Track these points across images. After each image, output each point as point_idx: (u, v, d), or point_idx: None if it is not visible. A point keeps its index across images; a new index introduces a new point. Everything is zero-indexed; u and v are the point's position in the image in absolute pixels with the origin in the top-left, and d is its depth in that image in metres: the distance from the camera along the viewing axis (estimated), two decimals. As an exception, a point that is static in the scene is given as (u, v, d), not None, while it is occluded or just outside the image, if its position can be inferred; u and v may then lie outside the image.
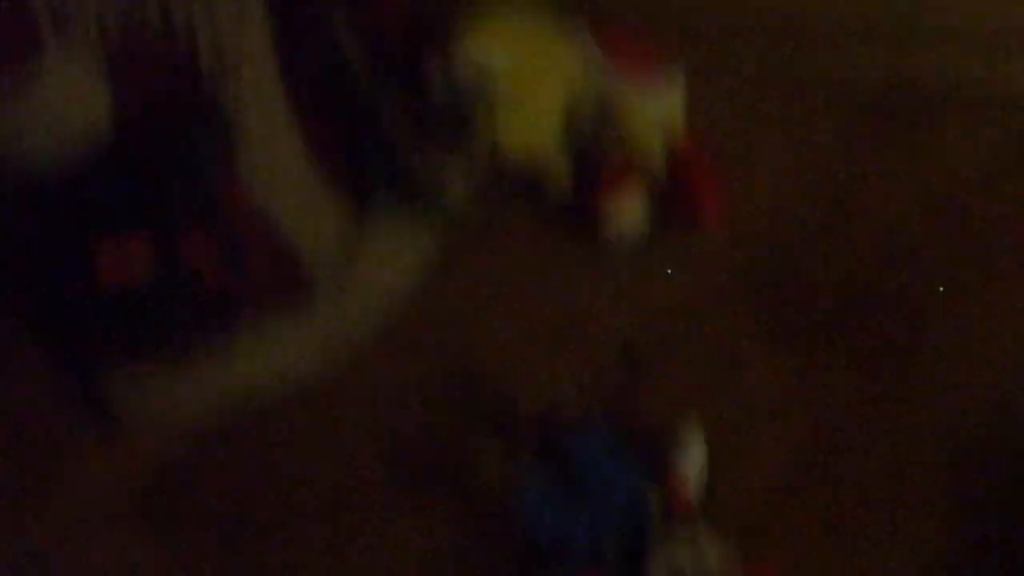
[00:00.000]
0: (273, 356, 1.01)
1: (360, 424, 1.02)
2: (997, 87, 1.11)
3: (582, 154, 1.04)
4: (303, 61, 0.97)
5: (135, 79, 0.88)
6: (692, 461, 0.94)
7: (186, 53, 0.89)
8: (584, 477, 0.94)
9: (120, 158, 0.90)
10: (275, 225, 0.98)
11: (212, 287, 0.98)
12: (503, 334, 1.05)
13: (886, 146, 1.10)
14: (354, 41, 0.98)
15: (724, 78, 1.10)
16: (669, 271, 1.02)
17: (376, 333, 1.05)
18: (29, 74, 0.82)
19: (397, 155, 1.02)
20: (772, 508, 0.95)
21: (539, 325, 1.05)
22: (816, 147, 1.10)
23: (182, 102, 0.91)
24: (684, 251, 1.07)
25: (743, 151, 1.09)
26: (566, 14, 1.01)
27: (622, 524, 0.91)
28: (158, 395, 1.01)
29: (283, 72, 0.95)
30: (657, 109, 1.03)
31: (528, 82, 0.97)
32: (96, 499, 1.01)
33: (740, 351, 1.02)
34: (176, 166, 0.93)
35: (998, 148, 1.09)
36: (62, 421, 1.04)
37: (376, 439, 1.01)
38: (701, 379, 1.01)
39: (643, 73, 1.02)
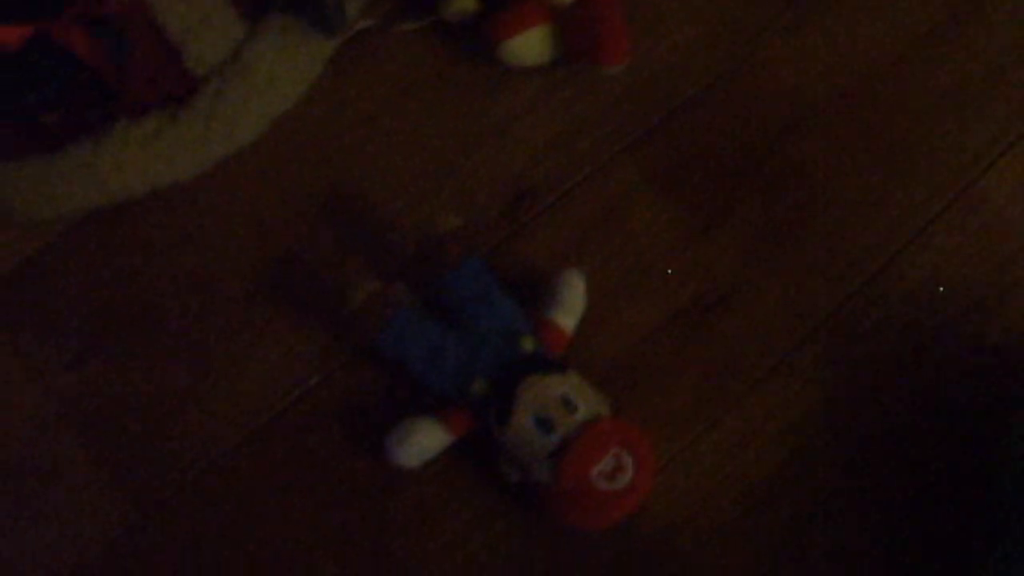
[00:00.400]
0: (146, 155, 0.97)
1: (232, 234, 1.00)
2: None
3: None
4: None
5: None
6: (569, 306, 0.93)
7: None
8: (458, 311, 0.93)
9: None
10: (162, 23, 0.94)
11: (91, 73, 0.93)
12: (389, 155, 1.02)
13: (798, 13, 1.08)
14: None
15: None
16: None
17: (258, 143, 1.01)
18: None
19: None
20: (647, 360, 0.96)
21: (426, 150, 1.02)
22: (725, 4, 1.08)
23: None
24: (581, 88, 1.05)
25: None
26: None
27: (492, 362, 0.90)
28: (23, 189, 0.96)
29: None
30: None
31: None
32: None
33: (629, 199, 1.01)
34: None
35: (910, 28, 1.08)
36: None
37: (248, 250, 0.99)
38: (587, 224, 1.00)
39: None
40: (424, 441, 0.89)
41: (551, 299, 0.93)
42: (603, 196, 1.01)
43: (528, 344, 0.91)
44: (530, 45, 1.01)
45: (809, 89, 1.05)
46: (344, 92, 1.04)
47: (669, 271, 0.98)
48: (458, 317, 0.92)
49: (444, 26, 1.05)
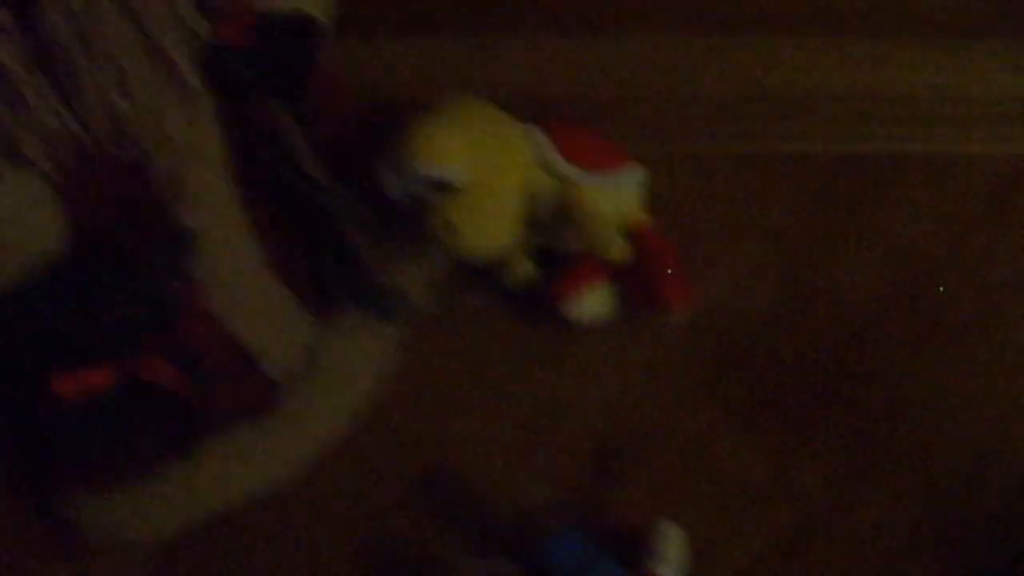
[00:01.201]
0: (239, 467, 1.00)
1: (330, 529, 1.02)
2: (939, 154, 1.11)
3: (542, 247, 1.04)
4: (258, 173, 0.96)
5: (88, 201, 0.86)
6: (671, 561, 0.93)
7: (140, 173, 0.88)
8: (563, 579, 0.93)
9: (75, 280, 0.89)
10: (237, 337, 0.97)
11: (174, 399, 0.96)
12: (472, 432, 1.04)
13: (841, 221, 1.10)
14: (308, 150, 0.97)
15: (677, 161, 1.09)
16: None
17: (343, 438, 1.04)
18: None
19: (357, 263, 1.01)
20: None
21: (507, 420, 1.04)
22: (771, 227, 1.10)
23: (138, 222, 0.90)
24: (648, 336, 1.07)
25: (701, 234, 1.09)
26: (516, 112, 1.00)
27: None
28: (125, 515, 0.99)
29: (239, 185, 0.94)
30: (615, 198, 1.02)
31: (485, 181, 0.96)
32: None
33: (712, 441, 1.02)
34: (133, 285, 0.91)
35: (952, 216, 1.10)
36: (28, 549, 1.02)
37: (348, 544, 1.01)
38: (675, 473, 1.01)
39: (598, 163, 1.02)
40: None
41: (650, 553, 0.94)
42: (685, 439, 1.02)
43: (637, 606, 0.91)
44: (593, 302, 1.04)
45: (870, 293, 1.07)
46: (419, 372, 1.06)
47: (760, 504, 0.98)
48: (561, 585, 0.93)
49: (508, 293, 1.08)
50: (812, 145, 1.09)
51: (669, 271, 1.03)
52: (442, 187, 0.93)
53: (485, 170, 0.95)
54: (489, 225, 0.97)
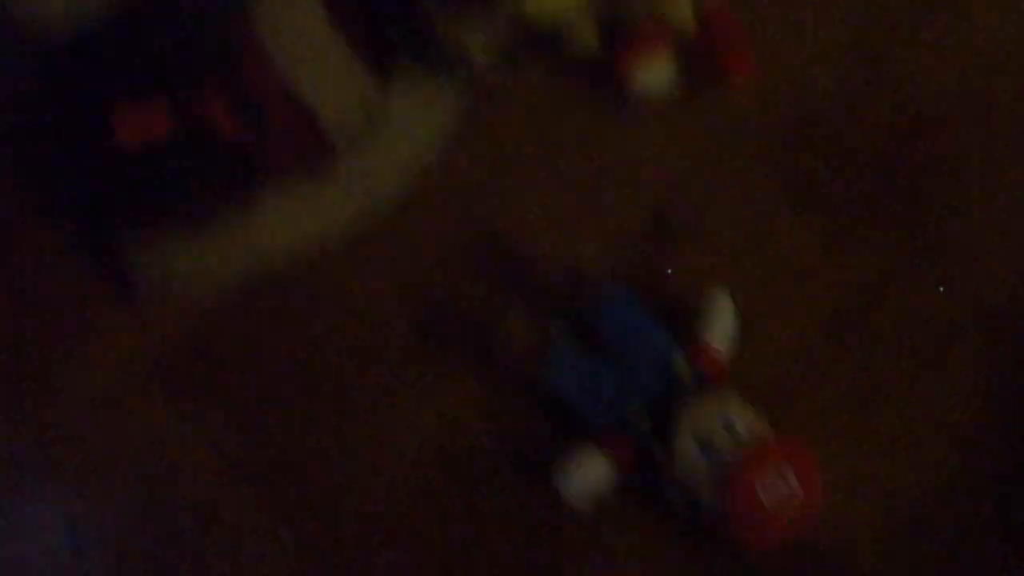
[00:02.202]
0: (296, 220, 1.00)
1: (384, 288, 1.02)
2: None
3: (608, 16, 1.02)
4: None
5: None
6: (721, 327, 0.94)
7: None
8: (611, 342, 0.94)
9: (136, 16, 0.88)
10: (295, 87, 0.96)
11: (233, 148, 0.96)
12: (529, 196, 1.04)
13: (923, 4, 1.07)
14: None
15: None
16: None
17: (400, 197, 1.04)
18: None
19: (422, 21, 1.00)
20: (801, 374, 0.96)
21: (565, 186, 1.04)
22: (849, 5, 1.07)
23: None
24: (712, 112, 1.05)
25: (772, 8, 1.06)
26: None
27: (649, 390, 0.91)
28: (180, 262, 1.00)
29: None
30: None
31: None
32: (117, 373, 1.01)
33: (770, 214, 1.01)
34: (193, 23, 0.90)
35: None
36: (82, 293, 1.04)
37: (401, 304, 1.01)
38: (730, 243, 1.00)
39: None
40: (592, 477, 0.90)
41: (702, 321, 0.94)
42: (743, 215, 1.01)
43: (683, 368, 0.91)
44: (656, 73, 1.02)
45: (944, 83, 1.04)
46: (479, 138, 1.06)
47: (815, 282, 0.98)
48: (611, 348, 0.93)
49: (571, 64, 1.06)
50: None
51: (734, 43, 1.01)
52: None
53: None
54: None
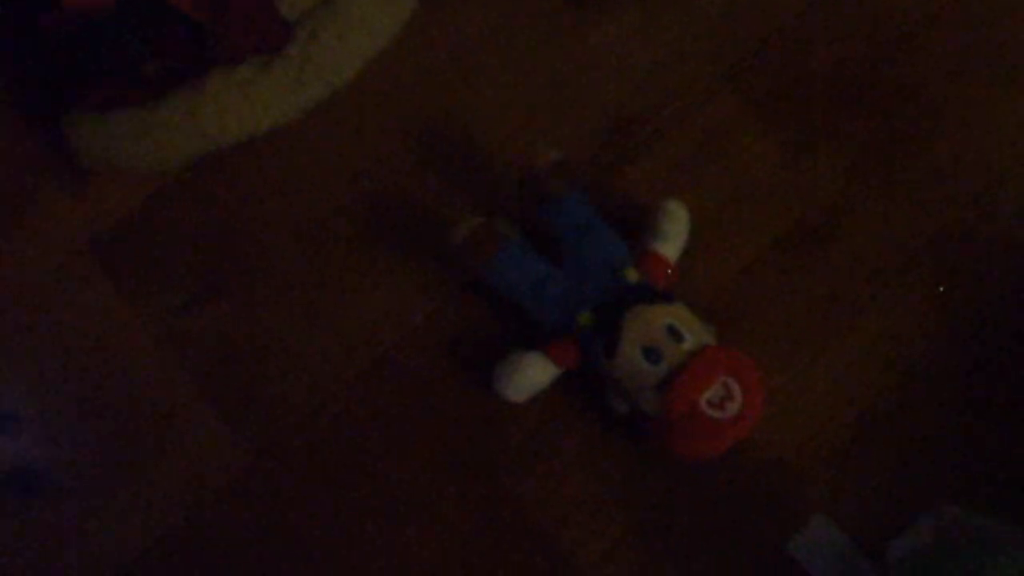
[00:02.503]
0: (246, 102, 0.97)
1: (334, 175, 1.00)
2: None
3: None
4: None
5: None
6: (673, 238, 0.93)
7: None
8: (561, 244, 0.93)
9: None
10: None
11: (186, 25, 0.94)
12: (486, 90, 1.02)
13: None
14: None
15: None
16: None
17: (354, 84, 1.01)
18: None
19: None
20: (751, 290, 0.95)
21: (523, 84, 1.02)
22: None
23: None
24: (677, 16, 1.03)
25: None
26: None
27: (597, 294, 0.90)
28: (127, 140, 0.97)
29: None
30: None
31: None
32: (57, 246, 1.00)
33: (729, 131, 1.00)
34: None
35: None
36: (24, 165, 1.01)
37: (350, 191, 1.00)
38: (687, 157, 0.99)
39: None
40: (532, 375, 0.90)
41: (653, 230, 0.93)
42: (702, 123, 1.00)
43: (632, 275, 0.90)
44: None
45: (915, 5, 1.03)
46: (437, 28, 1.04)
47: (770, 198, 0.97)
48: (561, 250, 0.92)
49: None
50: None
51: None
52: None
53: None
54: None
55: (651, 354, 0.87)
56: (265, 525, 0.92)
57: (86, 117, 0.97)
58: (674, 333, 0.87)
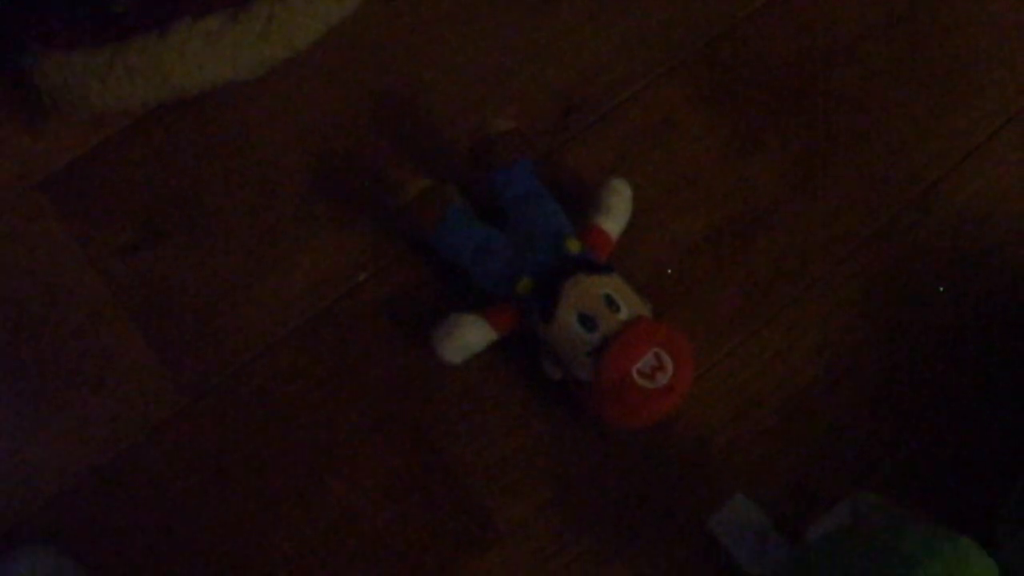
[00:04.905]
0: (209, 52, 0.99)
1: (286, 133, 1.02)
2: None
3: None
4: None
5: None
6: (616, 214, 0.95)
7: None
8: (506, 212, 0.95)
9: None
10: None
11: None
12: (444, 62, 1.05)
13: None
14: None
15: None
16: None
17: (316, 46, 1.03)
18: None
19: None
20: (688, 272, 0.98)
21: (480, 60, 1.05)
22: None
23: None
24: (630, 8, 1.07)
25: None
26: None
27: (538, 263, 0.92)
28: (87, 82, 0.98)
29: None
30: None
31: None
32: (9, 182, 1.01)
33: (674, 120, 1.03)
34: None
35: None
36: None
37: (301, 150, 1.02)
38: (633, 139, 1.02)
39: None
40: (469, 337, 0.91)
41: (598, 205, 0.95)
42: (650, 112, 1.03)
43: (574, 246, 0.92)
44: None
45: (860, 11, 1.07)
46: (401, 2, 1.06)
47: (712, 186, 1.00)
48: (506, 217, 0.95)
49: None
50: None
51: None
52: None
53: None
54: None
55: (587, 321, 0.89)
56: (195, 467, 0.92)
57: (49, 55, 0.98)
58: (611, 303, 0.89)
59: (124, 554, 0.90)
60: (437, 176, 0.98)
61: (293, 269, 0.98)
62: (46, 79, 0.98)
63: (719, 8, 1.07)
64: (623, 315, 0.89)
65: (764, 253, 0.98)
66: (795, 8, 1.07)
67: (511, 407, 0.94)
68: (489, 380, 0.94)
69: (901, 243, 0.99)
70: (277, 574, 0.90)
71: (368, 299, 0.97)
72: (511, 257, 0.92)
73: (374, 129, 1.02)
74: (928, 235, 0.99)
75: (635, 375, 0.88)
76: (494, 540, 0.91)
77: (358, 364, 0.95)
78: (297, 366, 0.95)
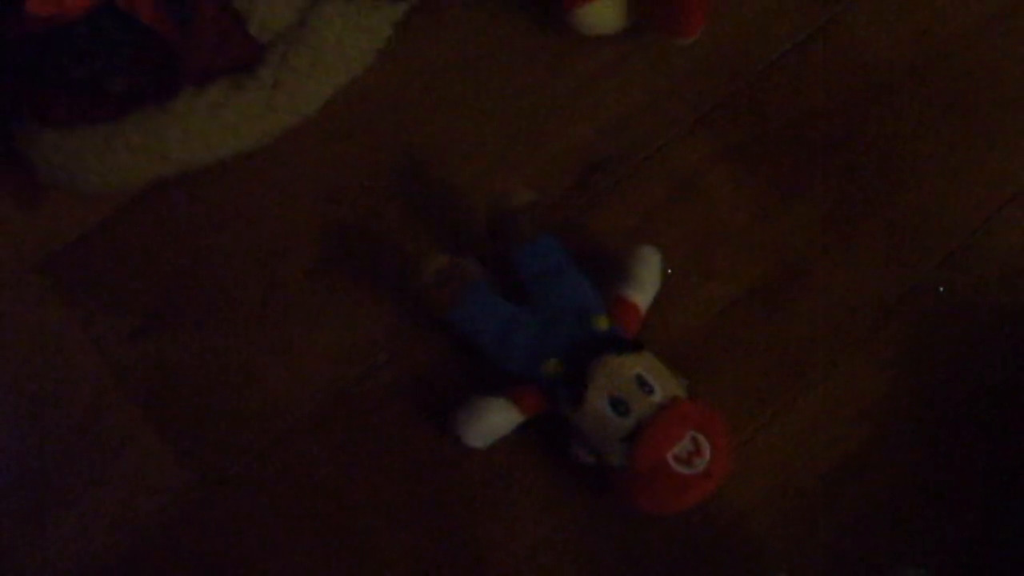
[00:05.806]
0: (212, 125, 0.95)
1: (297, 205, 0.98)
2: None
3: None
4: None
5: None
6: (646, 285, 0.91)
7: None
8: (530, 289, 0.91)
9: None
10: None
11: (153, 43, 0.91)
12: (459, 125, 1.01)
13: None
14: None
15: None
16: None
17: (324, 112, 0.99)
18: None
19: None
20: (721, 342, 0.94)
21: (496, 120, 1.01)
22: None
23: None
24: (653, 59, 1.02)
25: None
26: None
27: (565, 342, 0.88)
28: (87, 158, 0.94)
29: None
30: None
31: None
32: (10, 263, 0.97)
33: (702, 177, 0.99)
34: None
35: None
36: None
37: (313, 222, 0.98)
38: (660, 198, 0.98)
39: None
40: (494, 421, 0.88)
41: (625, 276, 0.91)
42: (676, 169, 0.99)
43: (602, 323, 0.89)
44: (603, 12, 0.99)
45: (890, 59, 1.03)
46: (412, 60, 1.02)
47: (740, 247, 0.96)
48: (530, 294, 0.91)
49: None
50: None
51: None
52: None
53: None
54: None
55: (619, 405, 0.85)
56: (211, 557, 0.89)
57: (46, 132, 0.94)
58: (643, 384, 0.86)
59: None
60: (456, 247, 0.94)
61: (307, 350, 0.94)
62: (44, 158, 0.94)
63: (743, 59, 1.02)
64: (657, 397, 0.86)
65: (797, 316, 0.95)
66: (821, 57, 1.02)
67: (539, 489, 0.91)
68: (516, 461, 0.91)
69: (940, 300, 0.95)
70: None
71: (386, 380, 0.93)
72: (536, 336, 0.89)
73: (387, 196, 0.98)
74: (969, 289, 0.96)
75: (671, 461, 0.84)
76: (526, 629, 0.87)
77: (377, 448, 0.92)
78: (314, 451, 0.92)
